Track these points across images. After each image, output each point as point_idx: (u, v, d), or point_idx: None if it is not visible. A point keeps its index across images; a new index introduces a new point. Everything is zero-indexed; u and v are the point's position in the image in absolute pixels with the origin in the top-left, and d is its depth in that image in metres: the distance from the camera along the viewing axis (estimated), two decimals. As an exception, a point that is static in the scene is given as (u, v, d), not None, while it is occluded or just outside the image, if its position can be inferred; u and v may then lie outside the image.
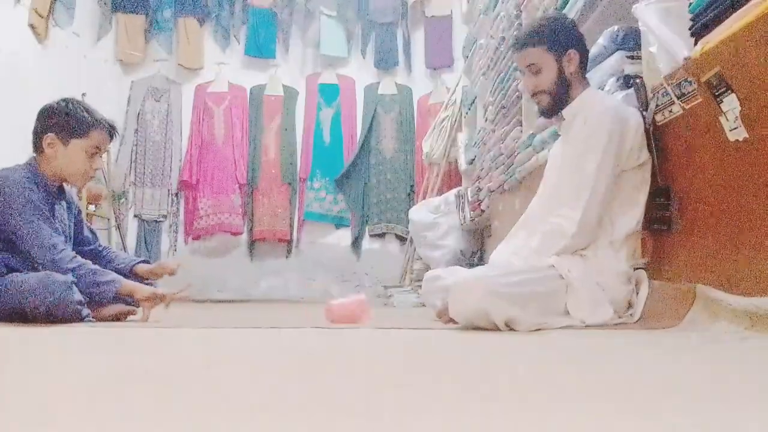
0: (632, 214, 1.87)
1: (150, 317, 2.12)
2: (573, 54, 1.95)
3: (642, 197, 1.90)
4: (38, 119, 2.14)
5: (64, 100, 2.15)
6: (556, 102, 1.98)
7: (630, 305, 1.84)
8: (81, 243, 2.31)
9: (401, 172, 5.78)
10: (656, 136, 1.87)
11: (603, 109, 1.87)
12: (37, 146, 2.14)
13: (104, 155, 4.96)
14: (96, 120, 2.15)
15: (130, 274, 2.31)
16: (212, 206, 5.63)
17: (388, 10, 5.92)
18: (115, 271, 2.19)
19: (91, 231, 2.41)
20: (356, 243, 5.77)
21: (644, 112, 1.91)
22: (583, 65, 1.99)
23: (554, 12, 2.20)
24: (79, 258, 2.07)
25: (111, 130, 2.20)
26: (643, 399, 0.72)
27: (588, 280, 1.77)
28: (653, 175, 1.89)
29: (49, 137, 2.11)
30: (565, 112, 1.99)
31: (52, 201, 2.13)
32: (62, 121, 2.11)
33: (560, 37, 1.95)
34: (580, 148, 1.87)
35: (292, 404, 0.69)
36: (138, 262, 2.39)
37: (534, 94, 2.01)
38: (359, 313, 2.13)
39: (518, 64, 2.04)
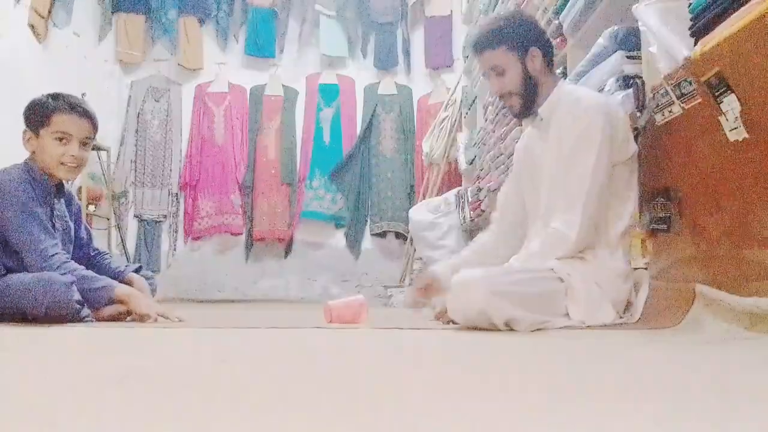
0: (625, 210, 1.86)
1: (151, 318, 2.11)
2: (535, 52, 1.89)
3: (632, 193, 1.88)
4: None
5: (44, 94, 2.11)
6: (526, 103, 1.92)
7: (629, 304, 1.83)
8: (76, 245, 2.29)
9: (401, 172, 5.78)
10: (656, 136, 1.87)
11: (591, 104, 1.83)
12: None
13: (104, 155, 5.01)
14: (58, 104, 2.06)
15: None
16: (212, 207, 5.63)
17: (388, 10, 5.92)
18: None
19: (88, 233, 2.38)
20: (356, 243, 5.76)
21: (639, 113, 1.91)
22: (549, 61, 1.93)
23: (512, 9, 2.10)
24: (70, 263, 2.03)
25: (78, 111, 2.08)
26: (643, 399, 0.72)
27: (588, 282, 1.76)
28: (651, 174, 1.89)
29: (26, 134, 2.10)
30: (542, 110, 1.92)
31: (50, 199, 2.11)
32: (29, 113, 2.09)
33: (520, 35, 1.88)
34: (572, 147, 1.83)
35: (293, 404, 0.69)
36: (132, 270, 2.33)
37: (502, 96, 1.95)
38: (357, 314, 2.13)
39: (480, 67, 1.97)
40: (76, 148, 2.09)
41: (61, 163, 2.08)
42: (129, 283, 2.22)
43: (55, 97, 2.10)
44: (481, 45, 1.91)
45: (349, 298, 2.24)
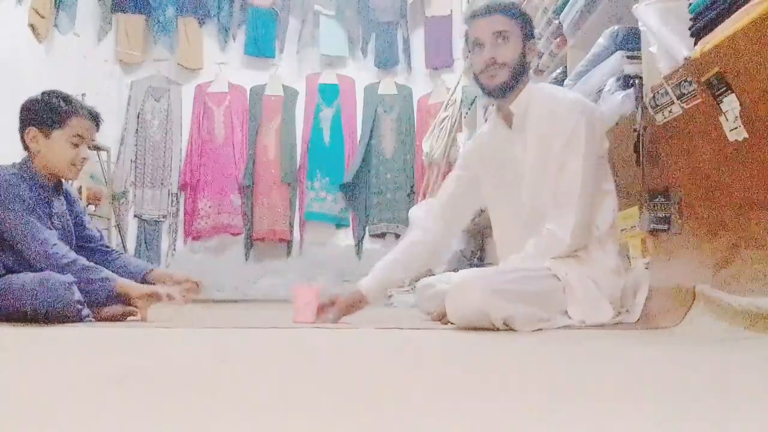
0: (607, 206, 1.87)
1: (150, 317, 2.11)
2: (534, 46, 1.93)
3: (609, 186, 1.89)
4: (19, 115, 2.12)
5: (43, 92, 2.12)
6: (511, 80, 1.86)
7: (623, 300, 1.83)
8: (84, 239, 2.29)
9: (401, 172, 5.78)
10: (656, 136, 1.87)
11: (573, 104, 1.83)
12: (24, 143, 2.12)
13: (104, 155, 5.01)
14: (74, 108, 2.10)
15: (146, 280, 2.27)
16: (212, 207, 5.63)
17: (388, 9, 5.92)
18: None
19: (98, 231, 2.40)
20: (357, 243, 5.76)
21: (639, 113, 1.91)
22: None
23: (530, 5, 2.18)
24: (72, 254, 2.04)
25: (92, 116, 2.15)
26: (643, 399, 0.72)
27: (585, 280, 1.76)
28: (651, 175, 1.89)
29: (31, 132, 2.09)
30: (514, 105, 1.89)
31: (48, 198, 2.12)
32: (40, 113, 2.08)
33: (530, 24, 1.94)
34: (560, 148, 1.81)
35: (293, 404, 0.69)
36: (150, 270, 2.33)
37: (491, 65, 1.86)
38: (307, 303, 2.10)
39: (478, 33, 1.88)
40: (86, 150, 2.15)
41: (71, 165, 2.11)
42: (148, 281, 2.25)
43: (66, 98, 2.11)
44: (496, 7, 1.87)
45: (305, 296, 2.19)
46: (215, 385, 0.83)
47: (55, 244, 2.01)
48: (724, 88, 1.46)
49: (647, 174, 1.93)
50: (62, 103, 2.09)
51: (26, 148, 2.12)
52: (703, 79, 1.52)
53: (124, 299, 2.09)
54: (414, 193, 5.68)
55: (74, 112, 2.10)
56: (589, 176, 1.80)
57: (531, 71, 1.99)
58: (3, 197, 2.00)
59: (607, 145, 1.89)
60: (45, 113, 2.08)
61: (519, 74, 1.87)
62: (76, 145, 2.11)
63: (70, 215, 2.23)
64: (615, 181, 1.92)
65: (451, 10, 5.88)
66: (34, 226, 2.00)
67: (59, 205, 2.18)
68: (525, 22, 1.90)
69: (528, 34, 1.90)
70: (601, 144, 1.86)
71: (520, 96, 1.89)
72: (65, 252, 2.02)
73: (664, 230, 1.83)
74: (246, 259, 5.71)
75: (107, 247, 2.38)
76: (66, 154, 2.10)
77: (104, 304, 2.10)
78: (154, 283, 2.29)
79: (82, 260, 2.05)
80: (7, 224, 2.00)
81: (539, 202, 1.86)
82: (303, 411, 0.65)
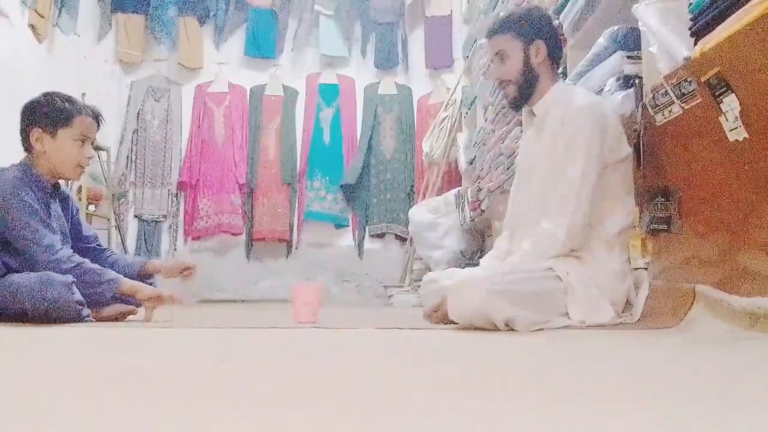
0: (620, 211, 1.87)
1: (153, 318, 2.11)
2: (540, 44, 1.93)
3: (626, 193, 1.89)
4: (22, 117, 2.12)
5: (43, 93, 2.13)
6: (521, 93, 1.96)
7: (628, 303, 1.83)
8: (80, 241, 2.29)
9: (401, 172, 5.77)
10: (656, 136, 1.87)
11: (581, 106, 1.84)
12: (26, 144, 2.12)
13: (104, 155, 5.01)
14: (78, 108, 2.12)
15: (141, 274, 2.29)
16: (212, 207, 5.62)
17: (388, 9, 5.92)
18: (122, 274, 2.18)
19: (93, 234, 2.40)
20: (357, 243, 5.76)
21: (639, 113, 1.91)
22: (554, 59, 1.98)
23: (531, 5, 2.22)
24: (77, 257, 2.05)
25: (94, 115, 2.17)
26: (643, 399, 0.72)
27: (586, 281, 1.76)
28: (651, 174, 1.89)
29: (36, 132, 2.09)
30: (536, 108, 1.96)
31: (47, 200, 2.12)
32: (45, 113, 2.09)
33: (528, 26, 1.95)
34: (563, 149, 1.84)
35: (293, 404, 0.69)
36: (146, 263, 2.36)
37: (500, 83, 2.01)
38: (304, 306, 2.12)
39: (488, 53, 2.09)
40: (90, 149, 2.17)
41: (77, 165, 2.13)
42: (149, 271, 2.30)
43: (68, 99, 2.13)
44: (492, 30, 2.00)
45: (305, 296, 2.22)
46: (215, 385, 0.83)
47: (59, 250, 2.02)
48: (724, 88, 1.46)
49: (647, 174, 1.93)
50: (66, 104, 2.11)
51: (28, 149, 2.12)
52: (703, 79, 1.52)
53: (128, 300, 2.11)
54: (414, 193, 5.68)
55: (78, 111, 2.12)
56: (589, 178, 1.80)
57: (557, 69, 2.01)
58: (7, 202, 2.00)
59: (626, 151, 1.88)
60: (50, 113, 2.09)
61: (528, 83, 1.95)
62: (81, 145, 2.12)
63: (66, 216, 2.23)
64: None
65: (451, 10, 5.87)
66: (38, 232, 2.00)
67: (57, 206, 2.18)
68: (520, 29, 1.94)
69: (528, 38, 1.93)
70: (614, 149, 1.86)
71: (544, 97, 1.95)
72: (69, 256, 2.03)
73: (664, 230, 1.83)
74: (248, 260, 5.71)
75: (101, 246, 2.39)
76: (72, 154, 2.11)
77: (105, 304, 2.11)
78: (151, 276, 2.34)
79: (87, 263, 2.06)
80: (12, 229, 2.00)
81: (546, 199, 1.90)
82: (303, 411, 0.65)
